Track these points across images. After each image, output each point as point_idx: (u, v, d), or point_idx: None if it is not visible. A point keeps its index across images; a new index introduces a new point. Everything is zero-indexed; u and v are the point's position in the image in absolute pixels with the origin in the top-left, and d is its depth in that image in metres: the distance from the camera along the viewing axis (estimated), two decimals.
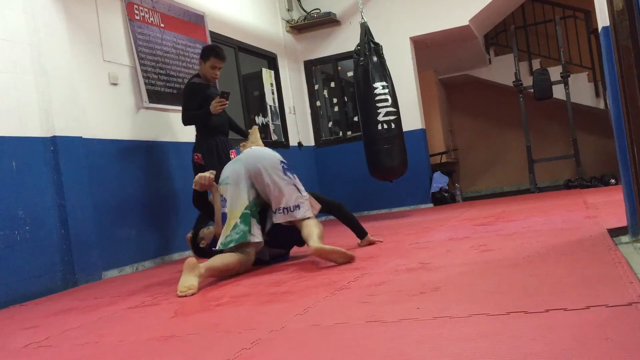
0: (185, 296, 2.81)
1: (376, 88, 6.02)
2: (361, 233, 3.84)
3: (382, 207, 7.67)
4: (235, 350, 1.70)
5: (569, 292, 1.86)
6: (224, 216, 3.32)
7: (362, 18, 6.27)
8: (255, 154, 3.47)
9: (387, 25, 7.56)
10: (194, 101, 4.50)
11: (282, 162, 3.44)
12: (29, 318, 2.90)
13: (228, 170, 3.43)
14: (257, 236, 3.29)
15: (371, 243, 3.84)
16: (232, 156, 4.69)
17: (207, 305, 2.54)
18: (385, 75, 6.10)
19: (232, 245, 3.20)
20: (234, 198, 3.29)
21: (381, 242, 3.93)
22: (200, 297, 2.79)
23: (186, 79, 5.42)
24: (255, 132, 3.79)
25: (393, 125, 6.04)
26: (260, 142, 3.73)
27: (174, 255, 4.94)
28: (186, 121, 4.57)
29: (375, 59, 6.11)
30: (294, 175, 3.47)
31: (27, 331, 2.52)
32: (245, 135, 4.95)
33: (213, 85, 4.71)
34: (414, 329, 1.68)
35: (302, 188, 3.45)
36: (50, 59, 3.96)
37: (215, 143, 4.54)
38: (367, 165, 6.26)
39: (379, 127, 6.00)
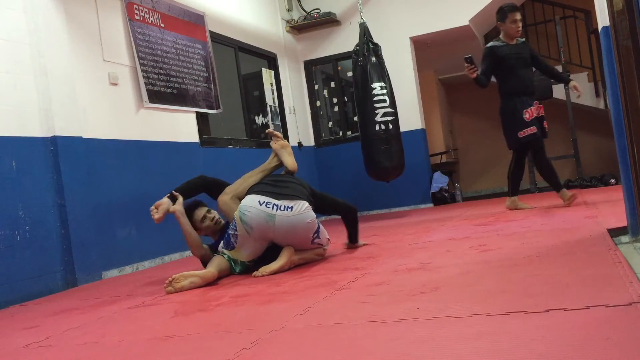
0: (171, 282, 2.99)
1: (374, 88, 6.02)
2: (354, 239, 3.86)
3: (382, 207, 7.67)
4: (235, 350, 1.70)
5: (569, 292, 1.86)
6: (227, 237, 3.30)
7: (361, 18, 6.27)
8: (290, 225, 3.18)
9: (387, 25, 7.56)
10: (485, 64, 4.88)
11: (314, 234, 3.32)
12: (29, 318, 2.90)
13: (257, 220, 3.15)
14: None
15: (357, 247, 3.88)
16: (527, 115, 4.77)
17: (207, 305, 2.54)
18: (383, 76, 6.10)
19: (237, 270, 3.33)
20: (246, 248, 3.24)
21: (366, 244, 3.95)
22: (200, 297, 2.79)
23: (186, 78, 5.43)
24: (286, 148, 3.71)
25: (391, 126, 6.04)
26: (289, 158, 3.65)
27: (174, 255, 4.94)
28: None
29: (373, 59, 6.10)
30: (321, 235, 3.37)
31: (27, 331, 2.52)
32: (562, 80, 5.11)
33: (515, 42, 4.85)
34: (414, 329, 1.68)
35: (325, 241, 3.44)
36: (50, 59, 3.96)
37: (512, 105, 4.84)
38: (364, 165, 6.26)
39: (377, 127, 5.99)
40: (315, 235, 3.31)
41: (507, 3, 4.97)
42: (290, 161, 3.63)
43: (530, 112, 4.80)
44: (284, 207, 3.18)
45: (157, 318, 2.42)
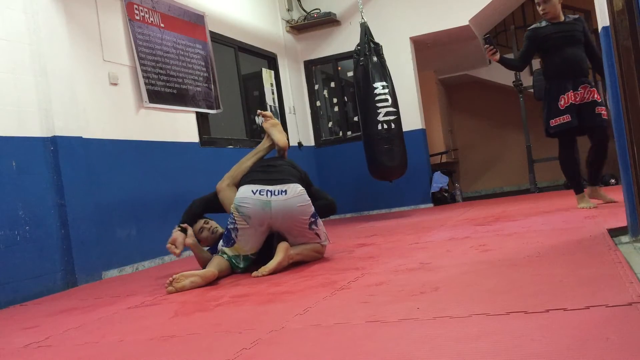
0: (172, 282, 2.99)
1: (376, 88, 6.02)
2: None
3: (382, 207, 7.67)
4: (235, 350, 1.70)
5: (569, 292, 1.86)
6: (226, 233, 3.31)
7: (362, 18, 6.28)
8: (286, 209, 3.20)
9: (387, 25, 7.56)
10: (524, 46, 4.55)
11: (311, 218, 3.29)
12: (29, 318, 2.90)
13: (254, 209, 3.18)
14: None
15: None
16: (561, 102, 4.28)
17: (207, 305, 2.54)
18: (385, 75, 6.11)
19: (241, 265, 3.33)
20: (248, 239, 3.26)
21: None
22: (200, 297, 2.79)
23: (186, 78, 5.43)
24: (276, 125, 3.74)
25: (393, 125, 6.04)
26: (279, 135, 3.67)
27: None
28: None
29: (375, 59, 6.11)
30: (318, 224, 3.36)
31: (27, 331, 2.52)
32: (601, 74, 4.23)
33: (563, 20, 4.43)
34: (414, 329, 1.68)
35: (323, 236, 3.42)
36: (50, 59, 3.96)
37: (549, 87, 4.44)
38: (366, 165, 6.26)
39: (379, 127, 5.99)
40: (313, 219, 3.30)
41: None
42: (280, 138, 3.65)
43: (567, 98, 4.33)
44: (278, 191, 3.21)
45: (157, 318, 2.42)
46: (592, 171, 4.49)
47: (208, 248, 3.62)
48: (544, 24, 4.47)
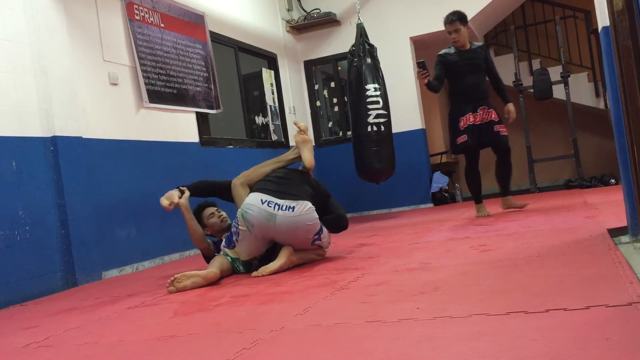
0: (173, 282, 3.00)
1: (368, 90, 6.01)
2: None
3: (382, 207, 7.67)
4: (235, 350, 1.70)
5: (569, 292, 1.86)
6: (229, 235, 3.32)
7: (359, 19, 6.27)
8: (290, 225, 3.17)
9: (387, 25, 7.55)
10: (436, 71, 4.87)
11: (314, 235, 3.26)
12: (29, 318, 2.90)
13: (259, 218, 3.16)
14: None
15: None
16: (461, 124, 4.76)
17: (207, 305, 2.54)
18: (377, 77, 6.08)
19: (241, 269, 3.36)
20: (246, 246, 3.25)
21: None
22: (200, 297, 2.79)
23: (186, 79, 5.43)
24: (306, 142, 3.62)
25: (383, 128, 6.03)
26: (308, 154, 3.56)
27: (174, 255, 4.94)
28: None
29: (369, 60, 6.09)
30: (322, 237, 3.32)
31: (27, 331, 2.53)
32: (502, 98, 5.03)
33: (468, 48, 4.82)
34: (414, 329, 1.68)
35: (326, 244, 3.41)
36: (50, 59, 3.96)
37: (451, 111, 4.93)
38: (354, 166, 6.23)
39: (369, 128, 5.98)
40: (317, 237, 3.29)
41: (449, 14, 4.88)
42: (308, 157, 3.55)
43: (465, 120, 4.79)
44: (286, 206, 3.17)
45: (157, 318, 2.42)
46: (501, 183, 5.10)
47: (212, 243, 3.62)
48: (452, 50, 4.87)
